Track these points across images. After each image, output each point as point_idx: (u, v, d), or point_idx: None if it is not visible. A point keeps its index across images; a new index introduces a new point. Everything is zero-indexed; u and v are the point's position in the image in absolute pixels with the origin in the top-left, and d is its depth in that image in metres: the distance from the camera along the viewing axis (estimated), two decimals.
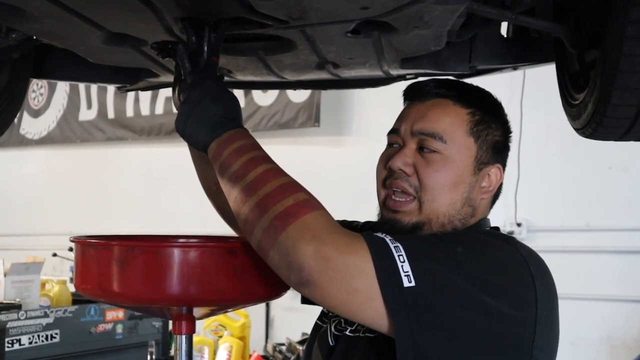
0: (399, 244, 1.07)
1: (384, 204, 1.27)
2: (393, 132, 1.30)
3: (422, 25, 1.24)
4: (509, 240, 1.21)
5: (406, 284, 1.04)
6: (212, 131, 1.17)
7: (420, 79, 1.45)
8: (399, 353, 1.05)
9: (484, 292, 1.08)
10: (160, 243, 1.13)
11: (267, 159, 1.14)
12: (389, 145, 1.31)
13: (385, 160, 1.28)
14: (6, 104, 1.72)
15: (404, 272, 1.04)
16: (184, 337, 1.18)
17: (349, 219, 1.54)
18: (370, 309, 1.06)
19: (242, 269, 1.13)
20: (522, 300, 1.12)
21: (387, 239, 1.09)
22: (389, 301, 1.04)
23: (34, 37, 1.52)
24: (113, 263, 1.10)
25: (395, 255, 1.06)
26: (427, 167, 1.23)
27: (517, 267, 1.14)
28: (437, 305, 1.06)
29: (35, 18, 1.26)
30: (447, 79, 1.37)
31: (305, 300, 1.39)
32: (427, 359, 1.06)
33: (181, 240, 1.13)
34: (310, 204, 1.08)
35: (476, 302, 1.07)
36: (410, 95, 1.32)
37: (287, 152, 4.92)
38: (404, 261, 1.05)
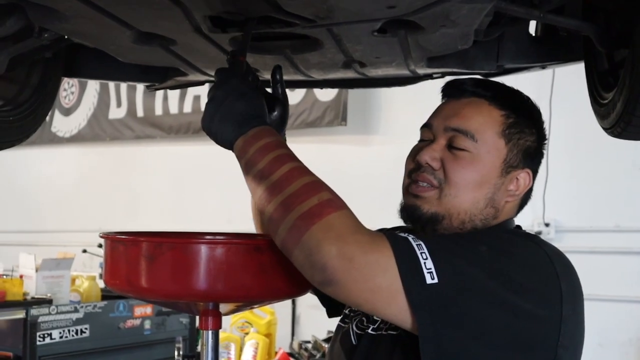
0: (421, 242, 1.08)
1: (406, 191, 1.28)
2: (425, 126, 1.30)
3: (448, 24, 1.24)
4: (533, 239, 1.21)
5: (429, 280, 1.04)
6: (238, 128, 1.18)
7: (451, 77, 1.45)
8: (422, 349, 1.05)
9: (508, 290, 1.08)
10: (187, 240, 1.14)
11: (292, 157, 1.15)
12: (421, 140, 1.31)
13: (415, 153, 1.29)
14: (39, 102, 1.75)
15: (427, 269, 1.05)
16: (210, 332, 1.19)
17: (375, 219, 1.54)
18: (394, 306, 1.06)
19: (268, 266, 1.14)
20: (547, 299, 1.11)
21: (410, 237, 1.09)
22: (411, 298, 1.05)
23: (66, 37, 1.54)
24: (141, 259, 1.12)
25: (418, 252, 1.06)
26: (454, 163, 1.23)
27: (542, 266, 1.14)
28: (460, 303, 1.06)
29: (66, 18, 1.28)
30: (486, 79, 1.36)
31: (332, 314, 1.41)
32: (450, 355, 1.06)
33: (208, 237, 1.15)
34: (334, 203, 1.09)
35: (500, 299, 1.07)
36: (446, 92, 1.32)
37: (314, 151, 4.93)
38: (426, 258, 1.06)
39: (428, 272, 1.05)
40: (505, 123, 1.24)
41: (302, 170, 1.13)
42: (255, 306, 1.34)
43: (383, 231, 1.47)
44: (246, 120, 1.18)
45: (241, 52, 1.26)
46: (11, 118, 1.66)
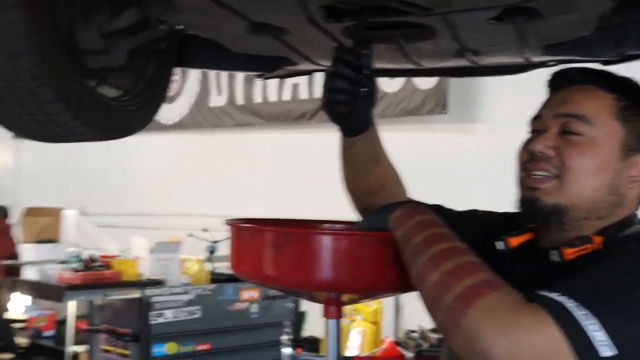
0: (587, 311, 0.99)
1: (522, 184, 1.24)
2: (535, 119, 1.27)
3: (570, 10, 1.19)
4: None
5: (604, 353, 0.97)
6: None
7: (562, 66, 1.40)
8: None
9: None
10: (314, 231, 1.17)
11: (448, 236, 1.14)
12: (532, 132, 1.27)
13: (527, 145, 1.25)
14: (154, 92, 1.80)
15: (600, 342, 0.98)
16: (333, 321, 1.21)
17: (455, 207, 1.49)
18: None
19: (392, 259, 1.14)
20: None
21: (568, 304, 1.01)
22: None
23: (180, 28, 1.58)
24: (267, 248, 1.14)
25: (586, 323, 0.98)
26: (570, 149, 1.19)
27: None
28: None
29: (183, 10, 1.31)
30: (590, 67, 1.31)
31: None
32: None
33: (334, 228, 1.16)
34: (490, 284, 1.04)
35: None
36: (553, 84, 1.29)
37: (413, 139, 4.89)
38: (596, 330, 0.98)
39: (602, 345, 0.97)
40: (619, 106, 1.21)
41: (458, 250, 1.10)
42: (378, 297, 1.35)
43: (489, 216, 1.43)
44: None
45: (357, 44, 1.25)
46: (130, 107, 1.72)
